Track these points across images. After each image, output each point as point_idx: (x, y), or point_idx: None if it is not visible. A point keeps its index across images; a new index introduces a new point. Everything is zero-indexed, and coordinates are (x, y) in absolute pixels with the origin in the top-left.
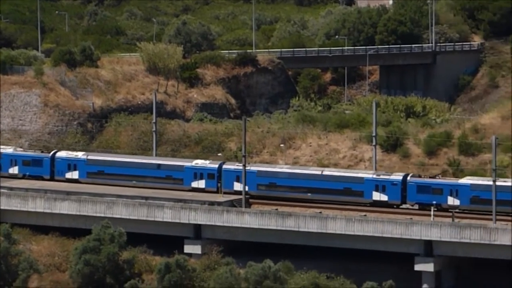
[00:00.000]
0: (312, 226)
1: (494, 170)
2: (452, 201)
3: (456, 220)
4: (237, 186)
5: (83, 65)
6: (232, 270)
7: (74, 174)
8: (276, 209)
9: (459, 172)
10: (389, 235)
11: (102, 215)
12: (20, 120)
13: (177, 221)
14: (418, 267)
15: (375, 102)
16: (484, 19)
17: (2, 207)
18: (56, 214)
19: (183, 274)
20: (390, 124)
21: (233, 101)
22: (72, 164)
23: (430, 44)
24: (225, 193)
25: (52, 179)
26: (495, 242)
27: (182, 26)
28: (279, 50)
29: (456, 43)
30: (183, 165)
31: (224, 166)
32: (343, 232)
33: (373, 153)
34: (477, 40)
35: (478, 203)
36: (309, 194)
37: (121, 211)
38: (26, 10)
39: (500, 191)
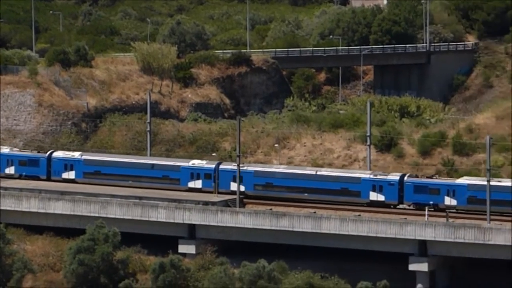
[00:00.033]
0: (306, 226)
1: (488, 170)
2: (449, 201)
3: (450, 220)
4: (234, 186)
5: (77, 65)
6: (226, 270)
7: (71, 174)
8: (271, 209)
9: (453, 172)
10: (383, 235)
11: (96, 215)
12: (15, 120)
13: (171, 221)
14: (412, 267)
15: (369, 102)
16: (478, 19)
17: None
18: (50, 214)
19: (178, 274)
20: (384, 124)
21: (227, 101)
22: (68, 164)
23: (424, 44)
24: (222, 193)
25: (48, 179)
26: (490, 242)
27: (176, 26)
28: (274, 50)
29: (451, 43)
30: (179, 165)
31: (221, 166)
32: (337, 232)
33: (367, 153)
34: (471, 40)
35: (475, 203)
36: (306, 194)
37: (115, 211)
38: (20, 10)
39: (498, 191)
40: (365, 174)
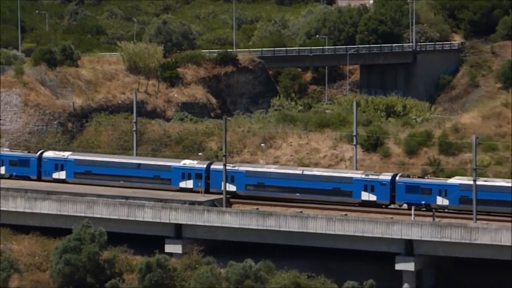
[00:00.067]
0: (293, 226)
1: (474, 169)
2: (441, 201)
3: (437, 219)
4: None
5: (63, 65)
6: (213, 270)
7: (61, 174)
8: (257, 209)
9: (439, 171)
10: (370, 235)
11: (83, 214)
12: (0, 119)
13: (158, 220)
14: (399, 266)
15: (356, 102)
16: (465, 19)
17: None
18: (37, 214)
19: (164, 274)
20: (371, 123)
21: (213, 100)
22: (59, 164)
23: (411, 44)
24: (213, 193)
25: (39, 179)
26: (476, 241)
27: (163, 25)
28: (260, 49)
29: (437, 43)
30: (171, 165)
31: (212, 166)
32: (324, 232)
33: (353, 153)
34: (457, 40)
35: (467, 203)
36: (297, 194)
37: (101, 211)
38: (6, 9)
39: (491, 191)
40: (357, 174)
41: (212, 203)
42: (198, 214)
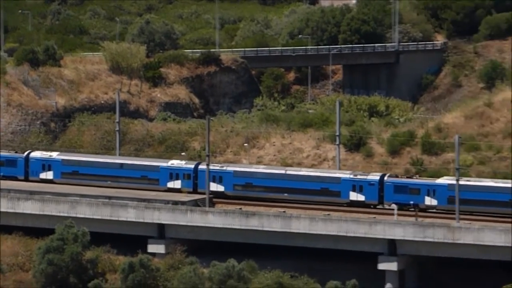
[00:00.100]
0: (276, 226)
1: (457, 169)
2: (429, 201)
3: (420, 219)
4: (213, 187)
5: (46, 65)
6: (196, 270)
7: (49, 175)
8: (240, 209)
9: (422, 171)
10: (353, 234)
11: (66, 214)
12: None
13: (141, 220)
14: (381, 266)
15: (339, 102)
16: (447, 18)
17: None
18: (19, 214)
19: (147, 274)
20: (354, 123)
21: (196, 100)
22: (46, 165)
23: (394, 44)
24: (201, 193)
25: (26, 179)
26: (459, 241)
27: (146, 25)
28: (243, 49)
29: (419, 43)
30: (158, 166)
31: (200, 167)
32: (307, 232)
33: (336, 153)
34: (440, 39)
35: (455, 203)
36: (286, 194)
37: (84, 211)
38: None
39: (480, 191)
40: (345, 174)
41: (195, 203)
42: (181, 214)
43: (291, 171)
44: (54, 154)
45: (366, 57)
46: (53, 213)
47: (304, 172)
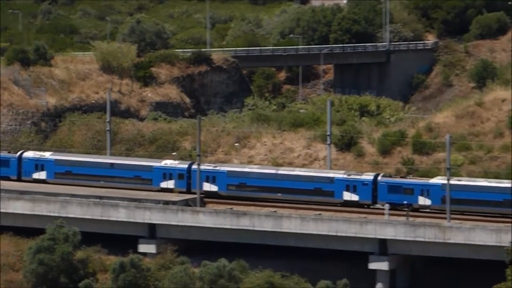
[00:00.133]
0: (267, 225)
1: (448, 169)
2: (423, 201)
3: (411, 218)
4: (207, 187)
5: (36, 64)
6: (186, 269)
7: (42, 175)
8: (231, 208)
9: (413, 171)
10: (344, 234)
11: (56, 214)
12: None
13: (132, 220)
14: (372, 265)
15: (330, 101)
16: (438, 18)
17: None
18: (10, 214)
19: (138, 274)
20: (344, 123)
21: (187, 100)
22: (39, 165)
23: (384, 43)
24: (195, 193)
25: (19, 179)
26: (449, 241)
27: (136, 24)
28: (234, 49)
29: (410, 42)
30: (152, 165)
31: (194, 167)
32: (298, 231)
33: (327, 152)
34: (431, 39)
35: (450, 203)
36: (279, 194)
37: (75, 211)
38: None
39: (475, 191)
40: (339, 174)
41: (186, 203)
42: (172, 214)
43: (285, 171)
44: (47, 154)
45: (357, 57)
46: (44, 213)
47: (297, 172)
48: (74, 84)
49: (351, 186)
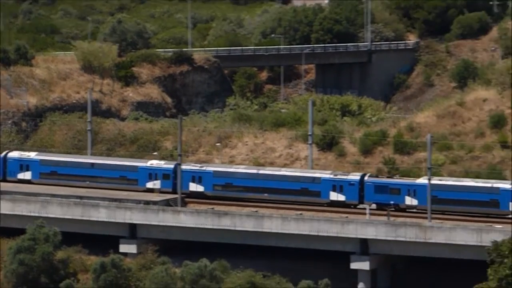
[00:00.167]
0: (248, 225)
1: (429, 168)
2: (410, 201)
3: (392, 218)
4: (193, 187)
5: (17, 64)
6: (167, 269)
7: (27, 175)
8: (212, 208)
9: (394, 170)
10: (325, 234)
11: (37, 214)
12: None
13: (112, 220)
14: (354, 265)
15: (311, 101)
16: (419, 18)
17: None
18: None
19: (119, 274)
20: (326, 122)
21: (169, 100)
22: (24, 165)
23: (366, 43)
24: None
25: (4, 180)
26: (430, 240)
27: (118, 24)
28: (215, 48)
29: (392, 42)
30: (137, 166)
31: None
32: (279, 231)
33: (309, 152)
34: (412, 39)
35: (436, 203)
36: (266, 195)
37: (55, 211)
38: None
39: (461, 191)
40: (325, 174)
41: (167, 203)
42: (153, 214)
43: (271, 171)
44: (32, 154)
45: (339, 57)
46: (24, 213)
47: (284, 172)
48: (55, 84)
49: (337, 186)
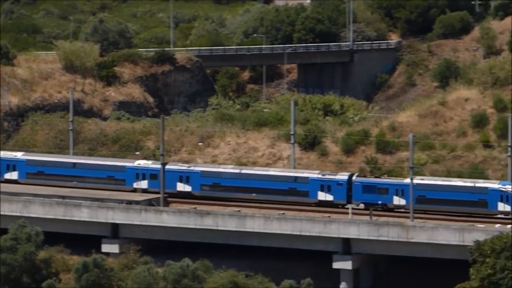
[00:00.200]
0: (231, 225)
1: (411, 168)
2: (398, 200)
3: (374, 218)
4: (181, 187)
5: None
6: (150, 269)
7: (13, 175)
8: (195, 208)
9: (376, 170)
10: (308, 233)
11: (19, 214)
12: None
13: (95, 220)
14: (336, 265)
15: (293, 101)
16: (401, 18)
17: None
18: None
19: (101, 274)
20: (308, 122)
21: (151, 99)
22: (11, 165)
23: (348, 43)
24: (168, 193)
25: None
26: (413, 240)
27: (99, 24)
28: (197, 48)
29: (374, 42)
30: (125, 166)
31: (167, 167)
32: (261, 231)
33: (291, 151)
34: (394, 39)
35: (424, 203)
36: (254, 194)
37: (37, 211)
38: None
39: (450, 191)
40: (313, 174)
41: (150, 203)
42: (135, 214)
43: (259, 171)
44: (19, 154)
45: (321, 56)
46: (6, 213)
47: (272, 172)
48: (36, 84)
49: (325, 186)
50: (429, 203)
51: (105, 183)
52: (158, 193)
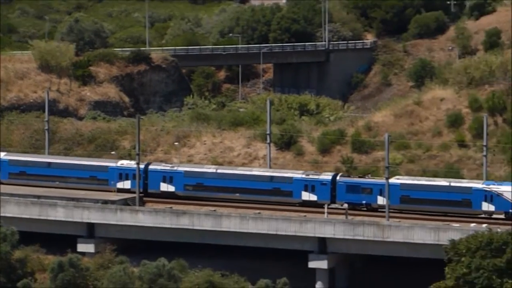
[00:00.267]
0: (207, 224)
1: (387, 167)
2: (382, 200)
3: (350, 217)
4: (164, 187)
5: None
6: (126, 269)
7: None
8: (171, 207)
9: (352, 169)
10: (283, 233)
11: None
12: None
13: (70, 219)
14: (312, 264)
15: (269, 100)
16: (377, 17)
17: None
18: None
19: (76, 273)
20: (284, 122)
21: (126, 99)
22: None
23: (324, 42)
24: (152, 194)
25: None
26: (388, 239)
27: (75, 23)
28: (173, 48)
29: (349, 41)
30: (107, 166)
31: (150, 167)
32: (237, 230)
33: (267, 151)
34: (370, 38)
35: (408, 203)
36: (237, 195)
37: (12, 210)
38: None
39: (430, 191)
40: (297, 174)
41: (125, 202)
42: (111, 213)
43: (243, 171)
44: (2, 154)
45: (297, 56)
46: None
47: (256, 172)
48: (12, 83)
49: (309, 186)
50: (413, 203)
51: (88, 183)
52: (141, 193)
